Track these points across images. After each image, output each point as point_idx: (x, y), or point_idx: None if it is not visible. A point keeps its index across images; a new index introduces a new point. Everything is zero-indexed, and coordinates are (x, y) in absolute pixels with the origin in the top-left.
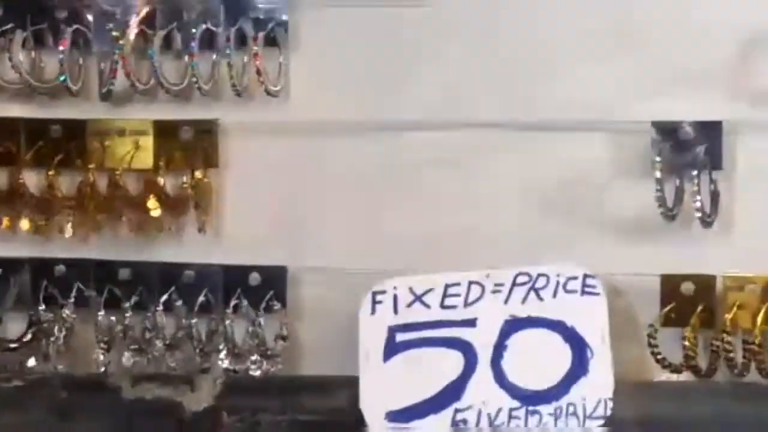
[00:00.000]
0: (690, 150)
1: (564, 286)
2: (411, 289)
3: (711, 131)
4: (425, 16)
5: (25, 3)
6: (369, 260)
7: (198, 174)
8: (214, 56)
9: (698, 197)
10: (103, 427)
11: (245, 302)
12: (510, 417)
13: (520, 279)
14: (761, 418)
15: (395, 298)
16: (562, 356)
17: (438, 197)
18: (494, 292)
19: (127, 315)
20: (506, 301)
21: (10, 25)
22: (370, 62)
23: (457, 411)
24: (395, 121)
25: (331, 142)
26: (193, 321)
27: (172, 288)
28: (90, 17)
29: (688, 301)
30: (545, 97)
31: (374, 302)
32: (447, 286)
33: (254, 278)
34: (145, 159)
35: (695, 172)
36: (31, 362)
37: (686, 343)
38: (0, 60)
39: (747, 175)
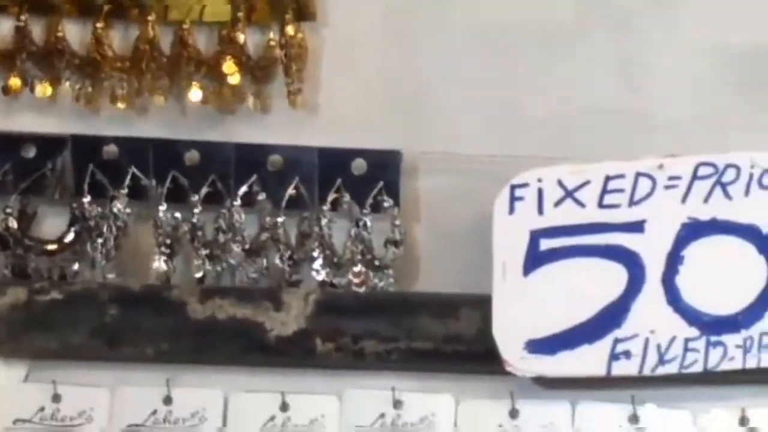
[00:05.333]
0: None
1: (759, 181)
2: (560, 182)
3: None
4: None
5: None
6: (506, 144)
7: (289, 29)
8: None
9: None
10: (162, 353)
11: (347, 197)
12: (686, 349)
13: (703, 171)
14: None
15: (540, 193)
16: (755, 272)
17: (596, 64)
18: (668, 187)
19: (196, 211)
20: (684, 200)
21: None
22: None
23: (617, 341)
24: None
25: None
26: (280, 220)
27: (254, 177)
28: None
29: None
30: None
31: (513, 198)
32: (608, 179)
33: (359, 166)
34: (221, 9)
35: None
36: (74, 269)
37: None
38: None
39: None
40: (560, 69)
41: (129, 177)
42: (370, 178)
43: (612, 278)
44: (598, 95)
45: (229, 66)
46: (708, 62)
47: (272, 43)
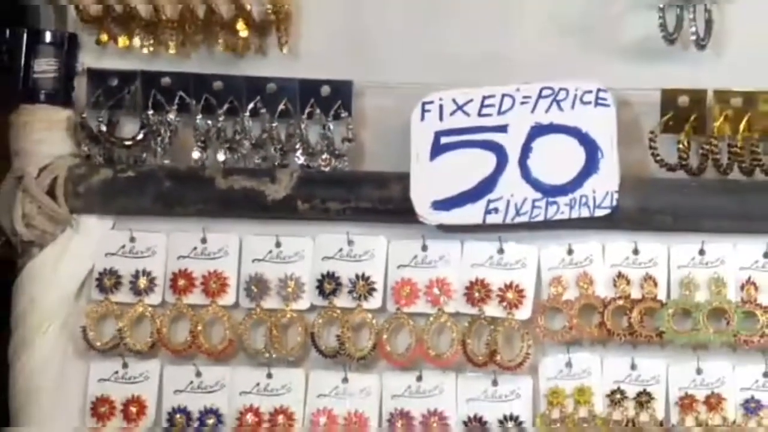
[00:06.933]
0: None
1: (581, 99)
2: (454, 100)
3: None
4: None
5: None
6: (423, 75)
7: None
8: None
9: (695, 24)
10: (199, 211)
11: (318, 110)
12: (533, 206)
13: (545, 92)
14: (743, 207)
15: (441, 107)
16: (577, 157)
17: (485, 24)
18: (523, 103)
19: (220, 119)
20: (533, 111)
21: None
22: None
23: (489, 201)
24: None
25: None
26: (275, 125)
27: (258, 98)
28: None
29: (684, 112)
30: None
31: (423, 111)
32: (484, 98)
33: (325, 90)
34: None
35: (693, 4)
36: (143, 157)
37: (681, 146)
38: None
39: (739, 5)
40: (462, 26)
41: (177, 98)
42: (333, 98)
43: (486, 161)
44: (484, 45)
45: (241, 26)
46: (553, 26)
47: (268, 9)
